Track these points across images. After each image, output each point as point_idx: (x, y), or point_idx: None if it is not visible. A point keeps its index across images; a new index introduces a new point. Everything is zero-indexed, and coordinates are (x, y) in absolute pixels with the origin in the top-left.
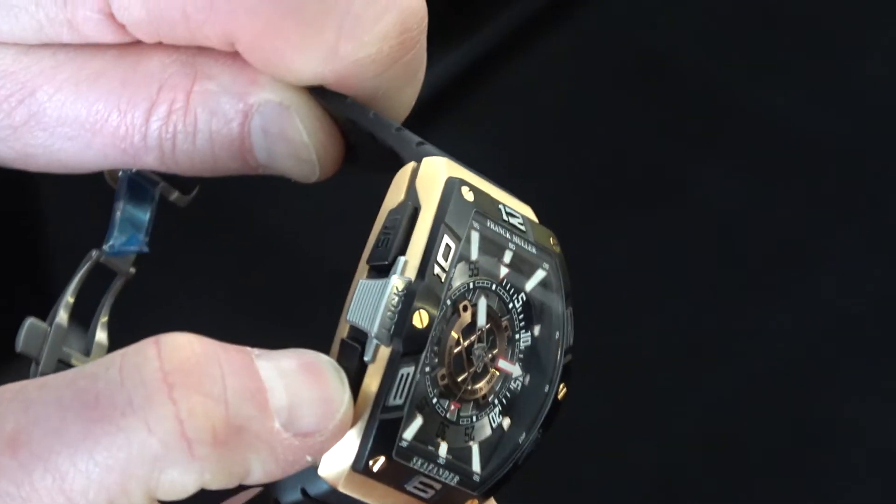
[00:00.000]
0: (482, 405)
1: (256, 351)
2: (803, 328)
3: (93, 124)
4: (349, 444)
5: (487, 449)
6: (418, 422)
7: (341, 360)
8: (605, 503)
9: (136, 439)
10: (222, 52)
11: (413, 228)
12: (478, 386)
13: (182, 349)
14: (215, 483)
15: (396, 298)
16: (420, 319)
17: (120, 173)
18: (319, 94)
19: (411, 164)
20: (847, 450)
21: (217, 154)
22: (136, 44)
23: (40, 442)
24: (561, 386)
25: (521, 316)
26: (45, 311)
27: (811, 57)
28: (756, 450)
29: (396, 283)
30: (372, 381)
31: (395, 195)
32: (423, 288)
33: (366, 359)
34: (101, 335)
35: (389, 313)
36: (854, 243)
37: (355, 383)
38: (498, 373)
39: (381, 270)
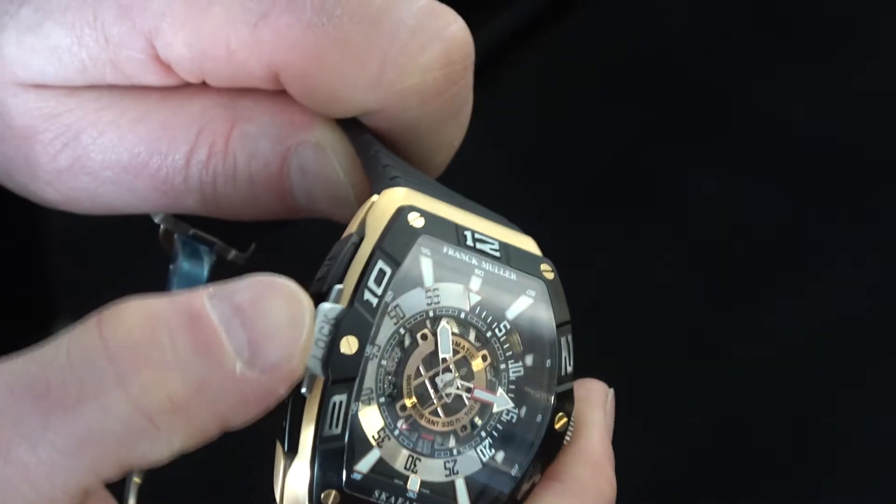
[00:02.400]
0: (465, 438)
1: (210, 289)
2: (802, 327)
3: (135, 167)
4: (303, 482)
5: (478, 484)
6: (374, 454)
7: (291, 398)
8: None
9: (94, 423)
10: (261, 94)
11: (353, 258)
12: (453, 417)
13: (125, 323)
14: (189, 445)
15: (326, 327)
16: (349, 346)
17: (175, 236)
18: (347, 127)
19: (372, 198)
20: (847, 449)
21: (257, 196)
22: (179, 87)
23: None
24: (558, 416)
25: (507, 346)
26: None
27: (811, 56)
28: (754, 449)
29: (326, 311)
30: (310, 414)
31: (349, 229)
32: (351, 314)
33: (303, 391)
34: None
35: (320, 342)
36: (853, 242)
37: (297, 420)
38: (477, 404)
39: (319, 300)
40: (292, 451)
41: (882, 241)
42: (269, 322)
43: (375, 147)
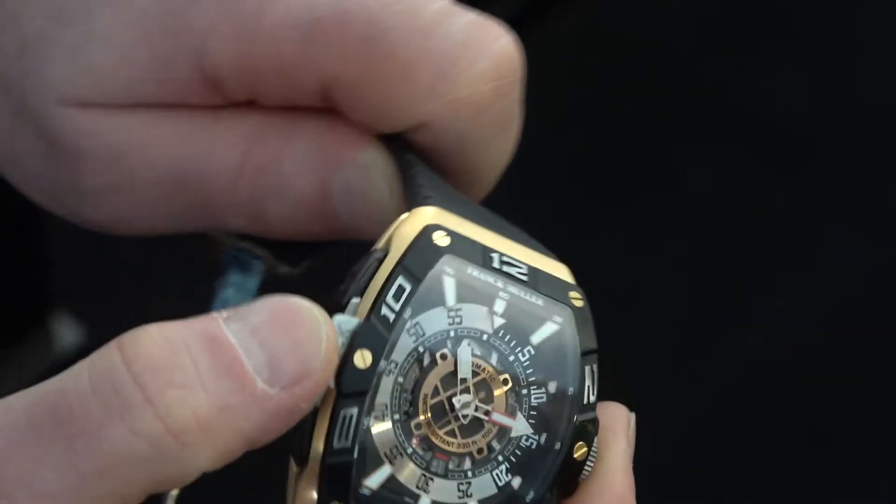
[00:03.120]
0: (481, 461)
1: (224, 314)
2: (802, 315)
3: (182, 186)
4: (311, 495)
5: None
6: (385, 470)
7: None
8: None
9: (121, 445)
10: (310, 114)
11: (375, 274)
12: (469, 440)
13: (146, 346)
14: (214, 464)
15: (340, 339)
16: (363, 359)
17: (227, 249)
18: (392, 147)
19: (402, 216)
20: (849, 434)
21: (303, 217)
22: (227, 107)
23: (20, 468)
24: (578, 445)
25: (530, 371)
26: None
27: (806, 49)
28: (756, 438)
29: (340, 322)
30: (321, 427)
31: (376, 245)
32: (366, 328)
33: (315, 404)
34: None
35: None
36: (850, 231)
37: (308, 432)
38: (495, 427)
39: (337, 312)
40: (302, 464)
41: (877, 228)
42: (285, 341)
43: (416, 167)
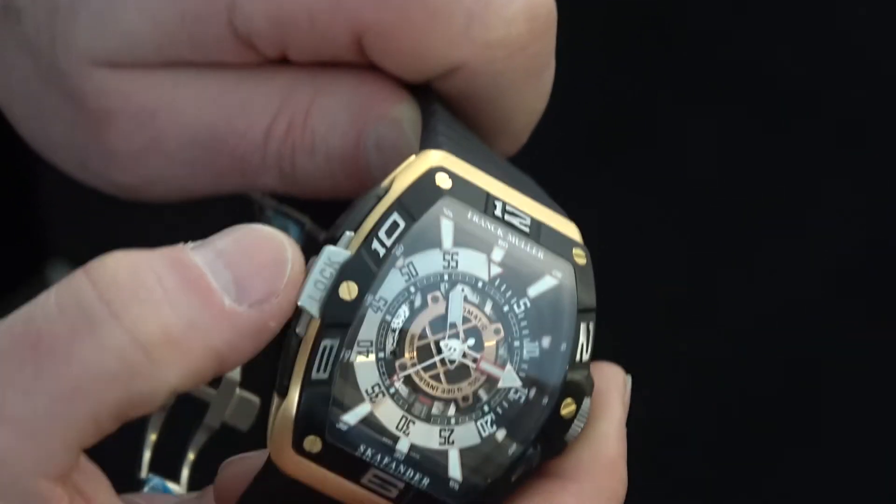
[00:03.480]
0: (465, 409)
1: (191, 244)
2: (799, 272)
3: (213, 146)
4: (288, 425)
5: (473, 457)
6: (365, 407)
7: (286, 334)
8: None
9: (90, 363)
10: (341, 68)
11: (372, 210)
12: (455, 386)
13: (112, 267)
14: (185, 382)
15: (329, 270)
16: (348, 291)
17: (266, 211)
18: (421, 98)
19: (410, 158)
20: (845, 391)
21: (335, 173)
22: (258, 65)
23: None
24: (567, 401)
25: (524, 324)
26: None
27: (798, 1)
28: (752, 396)
29: (331, 253)
30: (302, 357)
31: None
32: (354, 261)
33: (298, 331)
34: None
35: (320, 284)
36: (847, 186)
37: (290, 361)
38: (482, 376)
39: (330, 244)
40: (282, 394)
41: (874, 182)
42: (251, 261)
43: (438, 115)
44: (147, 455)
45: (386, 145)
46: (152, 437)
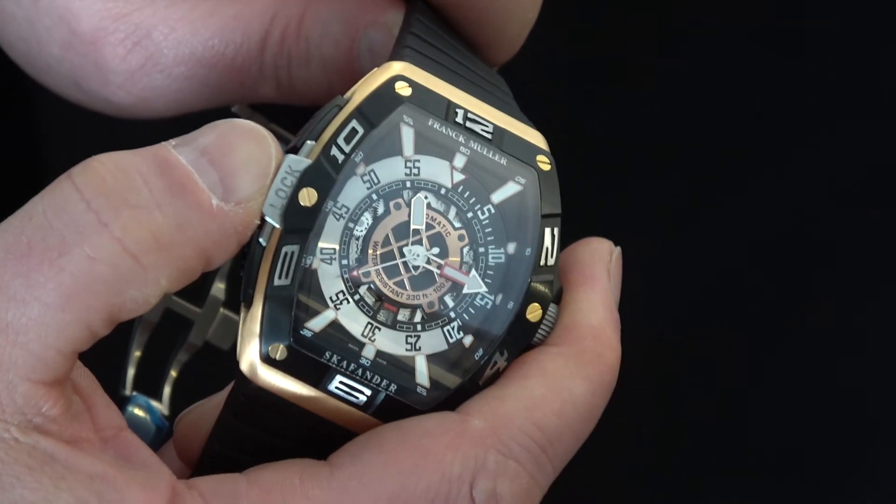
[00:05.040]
0: (432, 315)
1: (173, 141)
2: (801, 197)
3: (209, 60)
4: (254, 334)
5: (440, 363)
6: (329, 314)
7: (250, 246)
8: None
9: (81, 271)
10: None
11: (333, 119)
12: (420, 292)
13: (98, 172)
14: (175, 284)
15: (290, 178)
16: (307, 198)
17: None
18: (409, 2)
19: (374, 69)
20: (846, 319)
21: (331, 80)
22: None
23: None
24: (533, 307)
25: (489, 229)
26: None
27: None
28: (753, 323)
29: (292, 162)
30: (265, 264)
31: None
32: (313, 167)
33: (261, 240)
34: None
35: (281, 192)
36: (850, 112)
37: (253, 270)
38: (447, 282)
39: (292, 154)
40: (248, 303)
41: (879, 108)
42: (236, 158)
43: (416, 26)
44: (131, 372)
45: (379, 51)
46: (136, 354)
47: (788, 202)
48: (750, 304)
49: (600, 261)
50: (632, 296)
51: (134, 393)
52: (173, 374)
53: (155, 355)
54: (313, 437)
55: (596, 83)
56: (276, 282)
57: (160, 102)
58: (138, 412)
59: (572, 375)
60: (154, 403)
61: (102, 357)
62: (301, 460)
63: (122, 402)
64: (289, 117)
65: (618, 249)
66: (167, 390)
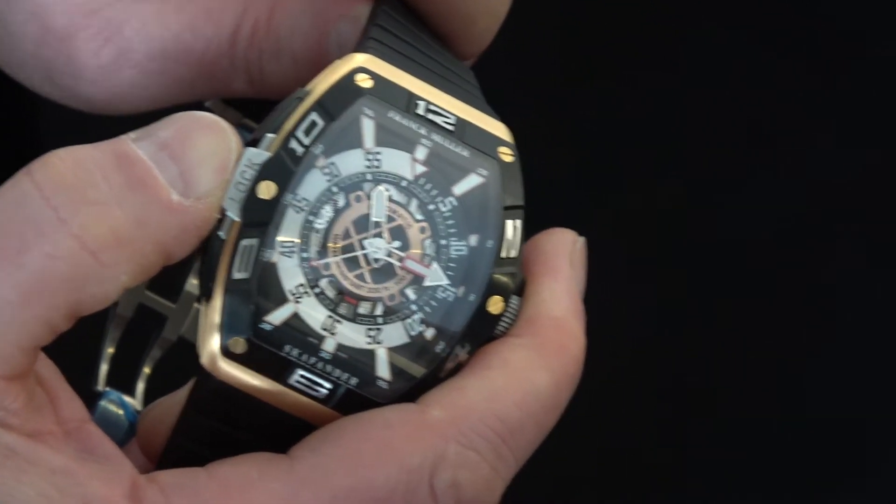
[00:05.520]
0: (393, 308)
1: (133, 134)
2: (795, 197)
3: (181, 55)
4: (214, 328)
5: (401, 356)
6: (289, 308)
7: (209, 240)
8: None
9: (40, 268)
10: None
11: (293, 112)
12: (381, 285)
13: (56, 168)
14: (135, 279)
15: (249, 171)
16: (266, 191)
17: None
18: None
19: (336, 61)
20: (842, 316)
21: (301, 74)
22: None
23: None
24: (495, 299)
25: (451, 222)
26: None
27: None
28: (750, 318)
29: (251, 155)
30: (224, 258)
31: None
32: (272, 160)
33: (220, 234)
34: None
35: (241, 186)
36: (846, 111)
37: (212, 264)
38: (408, 275)
39: (253, 147)
40: (207, 297)
41: (874, 109)
42: (197, 152)
43: (381, 18)
44: (104, 368)
45: (349, 44)
46: (109, 350)
47: (786, 202)
48: (750, 306)
49: (563, 251)
50: (632, 294)
51: (107, 389)
52: (147, 370)
53: (128, 351)
54: (275, 430)
55: (594, 82)
56: (235, 275)
57: (133, 98)
58: (111, 408)
59: (535, 366)
60: (127, 399)
61: (75, 353)
62: (261, 454)
63: (95, 398)
64: (263, 112)
65: (581, 239)
66: (141, 386)
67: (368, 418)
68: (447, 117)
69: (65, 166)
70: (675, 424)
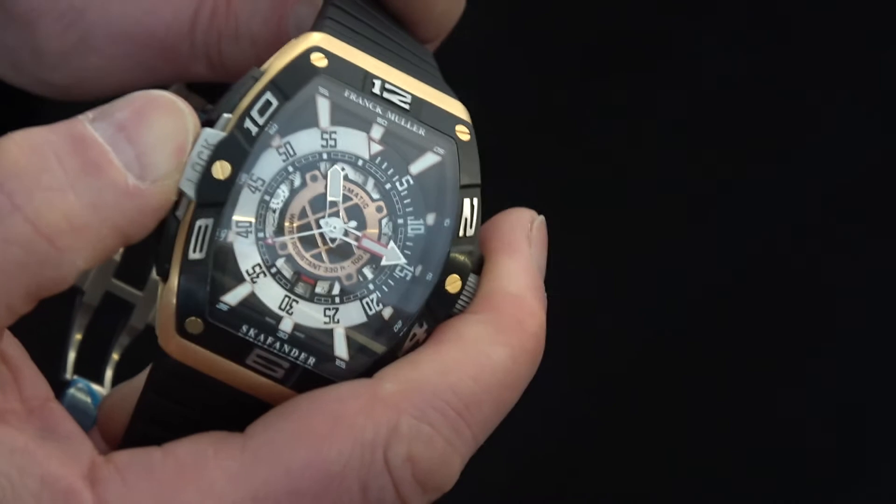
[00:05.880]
0: (350, 287)
1: (90, 114)
2: (801, 195)
3: (141, 39)
4: (170, 308)
5: (359, 336)
6: (245, 288)
7: (166, 221)
8: (604, 365)
9: None
10: None
11: (248, 91)
12: (337, 265)
13: (11, 153)
14: (92, 262)
15: (206, 152)
16: (221, 171)
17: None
18: None
19: (293, 39)
20: (846, 313)
21: (260, 57)
22: None
23: None
24: (452, 278)
25: (408, 200)
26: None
27: None
28: (756, 317)
29: (207, 135)
30: (180, 238)
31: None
32: (226, 140)
33: (177, 214)
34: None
35: (197, 166)
36: (851, 110)
37: (169, 244)
38: (365, 255)
39: (208, 127)
40: (164, 277)
41: (879, 107)
42: (153, 134)
43: (336, 1)
44: (72, 356)
45: (307, 27)
46: (77, 337)
47: (789, 201)
48: (750, 305)
49: (521, 229)
50: (632, 291)
51: (75, 377)
52: (115, 357)
53: (96, 338)
54: (233, 411)
55: (594, 76)
56: (191, 255)
57: (96, 83)
58: (80, 395)
59: (490, 341)
60: (95, 387)
61: (42, 341)
62: (216, 432)
63: (62, 386)
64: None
65: (540, 218)
66: (109, 374)
67: (321, 394)
68: (403, 96)
69: (20, 151)
70: (675, 424)
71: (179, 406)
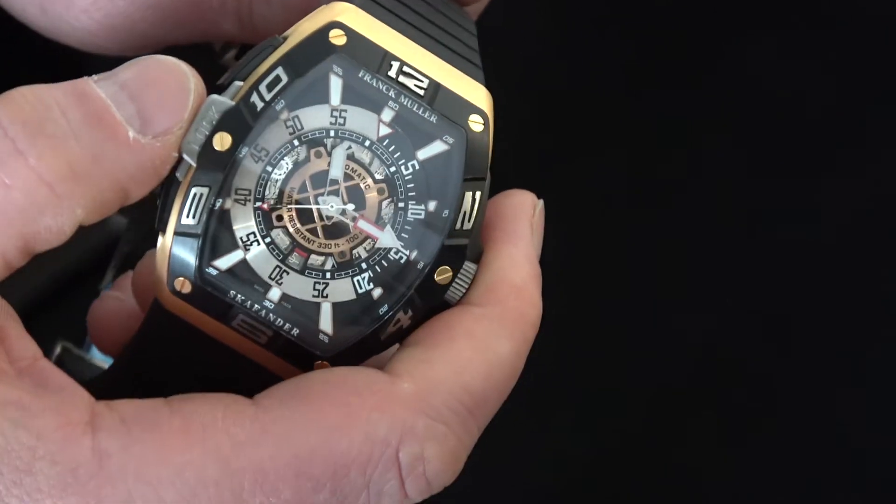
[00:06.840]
0: (343, 264)
1: (95, 77)
2: (846, 207)
3: None
4: (164, 263)
5: (345, 312)
6: (237, 254)
7: (169, 179)
8: (640, 379)
9: None
10: None
11: (264, 60)
12: (332, 241)
13: (16, 102)
14: (91, 215)
15: (211, 116)
16: (221, 142)
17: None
18: None
19: (323, 6)
20: (888, 325)
21: (291, 21)
22: None
23: None
24: (442, 269)
25: (411, 185)
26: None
27: None
28: (797, 326)
29: (215, 101)
30: (178, 200)
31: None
32: (231, 111)
33: (178, 175)
34: None
35: (202, 131)
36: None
37: (168, 202)
38: (361, 235)
39: (220, 91)
40: (162, 231)
41: None
42: (155, 92)
43: None
44: (111, 273)
45: None
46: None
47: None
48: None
49: (524, 215)
50: (631, 289)
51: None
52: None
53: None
54: (219, 366)
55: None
56: (184, 220)
57: (123, 32)
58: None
59: (498, 337)
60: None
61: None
62: (227, 395)
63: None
64: None
65: (541, 202)
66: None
67: (336, 381)
68: (420, 80)
69: (25, 100)
70: (678, 424)
71: (170, 348)
